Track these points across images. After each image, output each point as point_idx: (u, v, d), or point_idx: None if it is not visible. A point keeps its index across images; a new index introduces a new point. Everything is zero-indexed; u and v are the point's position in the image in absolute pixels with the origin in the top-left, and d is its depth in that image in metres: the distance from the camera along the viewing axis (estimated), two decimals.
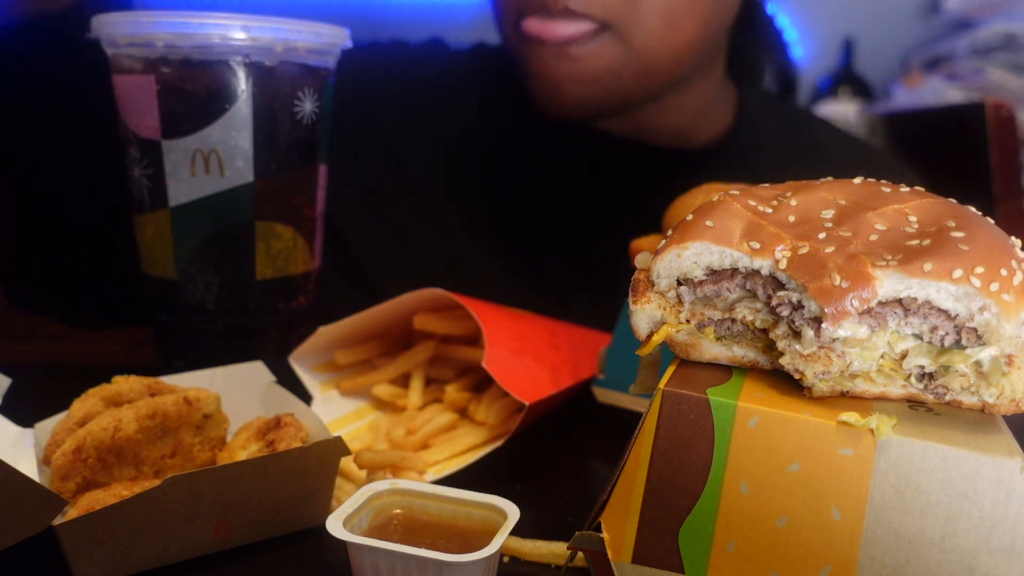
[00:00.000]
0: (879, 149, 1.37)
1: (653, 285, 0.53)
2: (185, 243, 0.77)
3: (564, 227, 1.18)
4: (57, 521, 0.56)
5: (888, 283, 0.48)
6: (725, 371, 0.52)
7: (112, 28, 0.74)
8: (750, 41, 1.25)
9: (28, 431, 0.68)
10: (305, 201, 0.81)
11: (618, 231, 1.13)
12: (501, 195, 1.20)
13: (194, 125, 0.74)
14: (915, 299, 0.48)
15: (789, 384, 0.50)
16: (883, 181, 0.57)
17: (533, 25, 0.97)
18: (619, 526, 0.49)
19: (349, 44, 0.81)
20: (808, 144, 1.22)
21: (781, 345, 0.50)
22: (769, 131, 1.21)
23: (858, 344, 0.49)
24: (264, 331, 0.82)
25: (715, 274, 0.52)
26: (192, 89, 0.74)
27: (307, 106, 0.78)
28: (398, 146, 1.20)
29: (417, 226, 1.19)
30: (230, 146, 0.75)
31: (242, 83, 0.74)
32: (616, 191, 1.17)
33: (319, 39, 0.77)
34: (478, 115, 1.22)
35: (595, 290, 1.00)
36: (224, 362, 0.75)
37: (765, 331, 0.52)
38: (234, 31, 0.73)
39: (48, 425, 0.67)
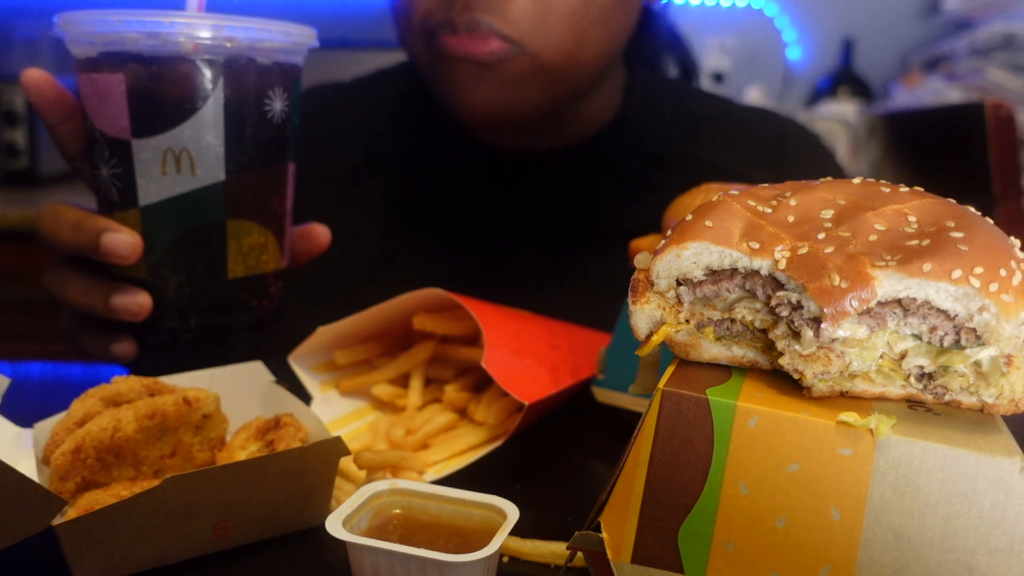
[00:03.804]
0: (791, 119, 1.37)
1: (653, 285, 0.53)
2: (156, 242, 0.77)
3: (477, 240, 1.22)
4: (56, 521, 0.56)
5: (887, 283, 0.48)
6: (725, 371, 0.52)
7: (79, 26, 0.74)
8: (647, 40, 1.29)
9: (27, 431, 0.68)
10: (276, 199, 0.81)
11: (524, 240, 1.19)
12: (404, 210, 1.24)
13: (165, 124, 0.74)
14: (914, 299, 0.48)
15: (789, 384, 0.50)
16: (882, 181, 0.57)
17: (451, 43, 1.00)
18: (618, 526, 0.49)
19: (316, 44, 0.82)
20: (693, 114, 1.26)
21: (780, 345, 0.50)
22: (655, 106, 1.25)
23: (857, 344, 0.49)
24: (236, 329, 0.82)
25: (714, 274, 0.52)
26: (162, 88, 0.74)
27: (277, 105, 0.78)
28: (341, 179, 1.27)
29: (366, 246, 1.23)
30: (201, 145, 0.75)
31: (213, 82, 0.74)
32: (514, 200, 1.21)
33: (288, 38, 0.77)
34: (384, 135, 1.28)
35: (508, 300, 1.02)
36: (194, 362, 0.75)
37: (764, 331, 0.52)
38: (204, 30, 0.73)
39: (47, 425, 0.67)
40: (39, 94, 0.79)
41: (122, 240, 0.75)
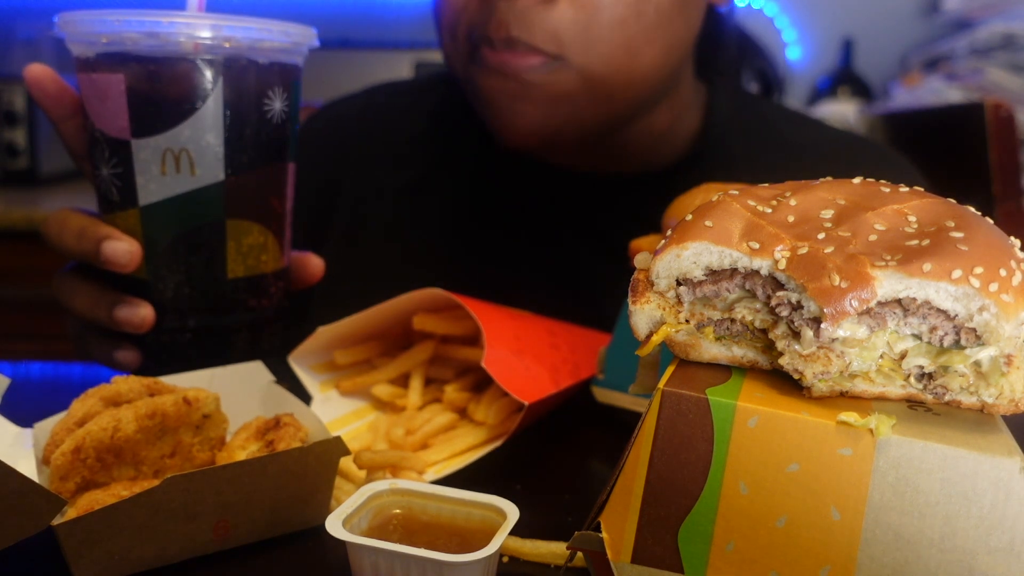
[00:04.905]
0: (874, 142, 1.28)
1: (652, 285, 0.53)
2: (156, 242, 0.77)
3: (533, 263, 1.16)
4: (56, 521, 0.56)
5: (887, 283, 0.48)
6: (725, 371, 0.52)
7: (79, 26, 0.74)
8: (719, 48, 1.21)
9: (27, 431, 0.68)
10: (275, 199, 0.82)
11: (589, 267, 1.13)
12: (466, 231, 1.19)
13: (164, 124, 0.75)
14: (914, 299, 0.48)
15: (789, 384, 0.50)
16: (882, 181, 0.57)
17: (492, 56, 0.94)
18: (618, 526, 0.49)
19: (316, 43, 0.82)
20: (785, 143, 1.16)
21: (780, 345, 0.50)
22: (741, 134, 1.15)
23: (857, 344, 0.49)
24: (236, 329, 0.82)
25: (714, 274, 0.52)
26: (162, 88, 0.74)
27: (277, 105, 0.78)
28: (367, 189, 1.22)
29: (388, 267, 1.19)
30: (201, 145, 0.75)
31: (212, 82, 0.74)
32: (581, 225, 1.15)
33: (288, 38, 0.77)
34: (444, 145, 1.22)
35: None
36: (194, 361, 0.75)
37: (764, 331, 0.52)
38: (204, 30, 0.73)
39: (47, 425, 0.67)
40: (41, 90, 0.79)
41: (121, 248, 0.75)
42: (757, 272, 0.51)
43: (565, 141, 1.02)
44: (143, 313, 0.77)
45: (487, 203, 1.19)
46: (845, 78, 2.92)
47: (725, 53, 1.23)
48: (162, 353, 0.80)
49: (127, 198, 0.77)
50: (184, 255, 0.78)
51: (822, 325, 0.48)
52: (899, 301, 0.48)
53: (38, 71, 0.79)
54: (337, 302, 0.99)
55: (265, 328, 0.84)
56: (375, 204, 1.21)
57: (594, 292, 1.10)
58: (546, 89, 0.95)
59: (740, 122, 1.16)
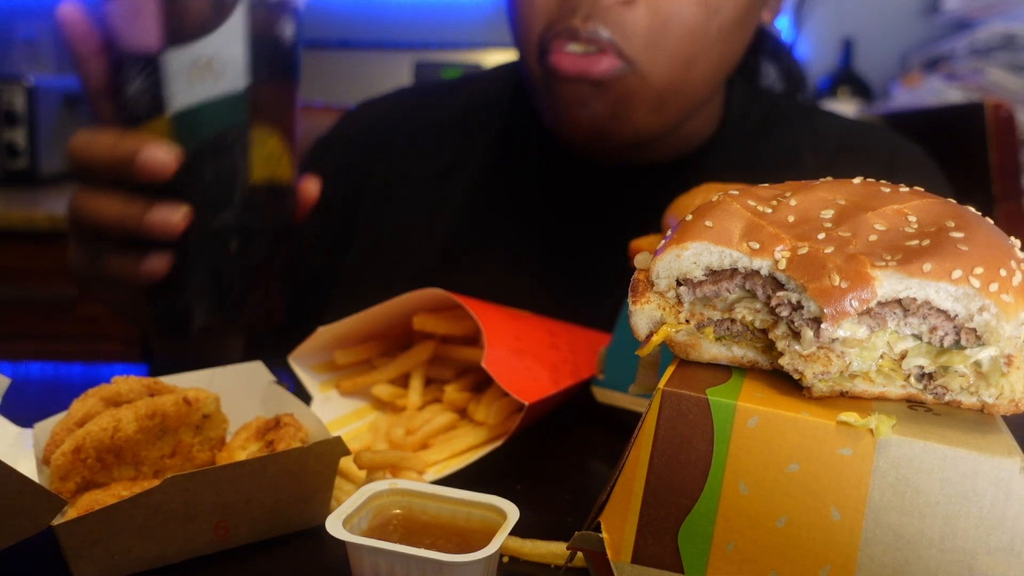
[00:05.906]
0: (888, 131, 1.29)
1: (653, 285, 0.53)
2: (184, 148, 0.80)
3: (565, 254, 1.18)
4: (56, 521, 0.56)
5: (887, 283, 0.48)
6: (725, 371, 0.52)
7: None
8: (752, 55, 1.24)
9: (28, 431, 0.69)
10: (290, 115, 0.86)
11: (597, 252, 1.15)
12: (483, 216, 1.21)
13: (194, 34, 0.78)
14: (914, 299, 0.48)
15: (789, 384, 0.50)
16: (882, 181, 0.57)
17: (564, 61, 0.97)
18: (618, 526, 0.49)
19: None
20: (794, 135, 1.20)
21: (780, 345, 0.50)
22: (754, 127, 1.19)
23: (857, 344, 0.49)
24: (258, 232, 0.84)
25: (714, 274, 0.52)
26: (191, 1, 0.78)
27: (288, 28, 0.83)
28: (393, 177, 1.24)
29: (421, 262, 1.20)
30: (227, 54, 0.79)
31: None
32: (594, 212, 1.17)
33: None
34: (470, 140, 1.25)
35: (590, 320, 1.00)
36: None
37: (765, 331, 0.52)
38: None
39: (48, 425, 0.67)
40: (71, 27, 0.79)
41: (160, 152, 0.75)
42: (757, 272, 0.51)
43: (622, 140, 1.06)
44: (182, 211, 0.76)
45: (505, 190, 1.21)
46: (845, 78, 2.92)
47: (755, 58, 1.28)
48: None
49: (156, 108, 0.79)
50: (211, 159, 0.80)
51: (822, 325, 0.48)
52: (899, 301, 0.48)
53: (70, 10, 0.80)
54: (362, 286, 1.00)
55: (280, 244, 0.85)
56: (401, 191, 1.24)
57: (601, 281, 1.11)
58: (614, 91, 0.99)
59: (754, 115, 1.20)
